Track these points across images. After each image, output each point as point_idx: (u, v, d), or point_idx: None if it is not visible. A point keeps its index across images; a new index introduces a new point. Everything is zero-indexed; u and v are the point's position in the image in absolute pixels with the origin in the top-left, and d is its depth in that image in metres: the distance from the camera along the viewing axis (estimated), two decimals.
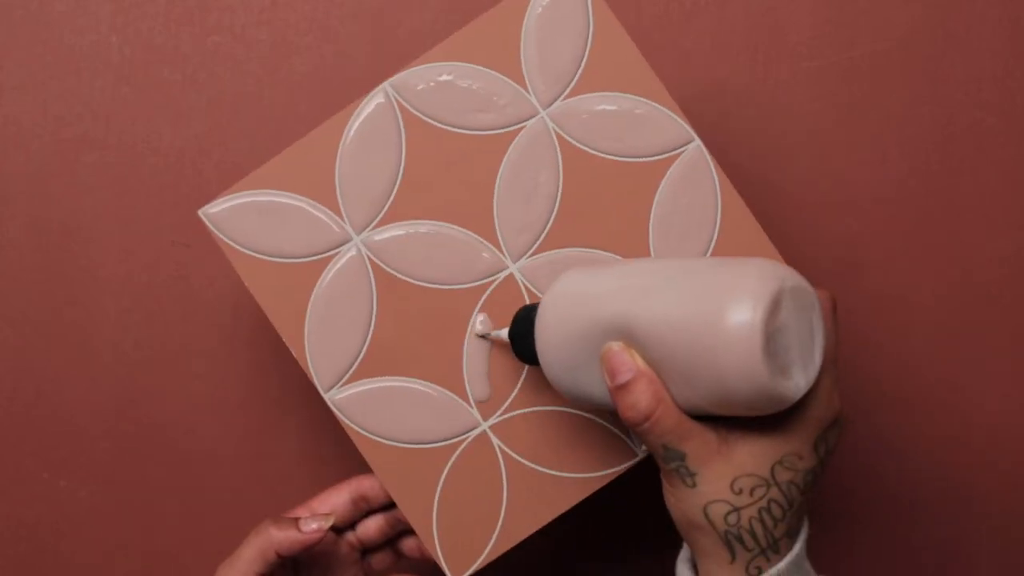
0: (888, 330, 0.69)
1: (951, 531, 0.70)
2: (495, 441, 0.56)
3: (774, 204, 0.69)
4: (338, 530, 0.58)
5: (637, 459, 0.56)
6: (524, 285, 0.56)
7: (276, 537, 0.54)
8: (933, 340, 0.69)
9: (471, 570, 0.56)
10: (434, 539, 0.56)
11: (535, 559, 0.68)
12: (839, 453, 0.69)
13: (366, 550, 0.59)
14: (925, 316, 0.69)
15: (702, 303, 0.42)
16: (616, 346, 0.46)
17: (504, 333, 0.54)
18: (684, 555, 0.49)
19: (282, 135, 0.69)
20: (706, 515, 0.44)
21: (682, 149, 0.56)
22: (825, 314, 0.46)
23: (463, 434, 0.56)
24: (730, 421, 0.45)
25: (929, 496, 0.69)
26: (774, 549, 0.44)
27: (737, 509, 0.44)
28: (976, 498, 0.69)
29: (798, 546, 0.45)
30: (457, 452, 0.56)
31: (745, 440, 0.44)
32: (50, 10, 0.69)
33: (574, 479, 0.56)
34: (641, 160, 0.56)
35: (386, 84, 0.56)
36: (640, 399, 0.45)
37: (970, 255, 0.69)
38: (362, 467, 0.65)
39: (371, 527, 0.58)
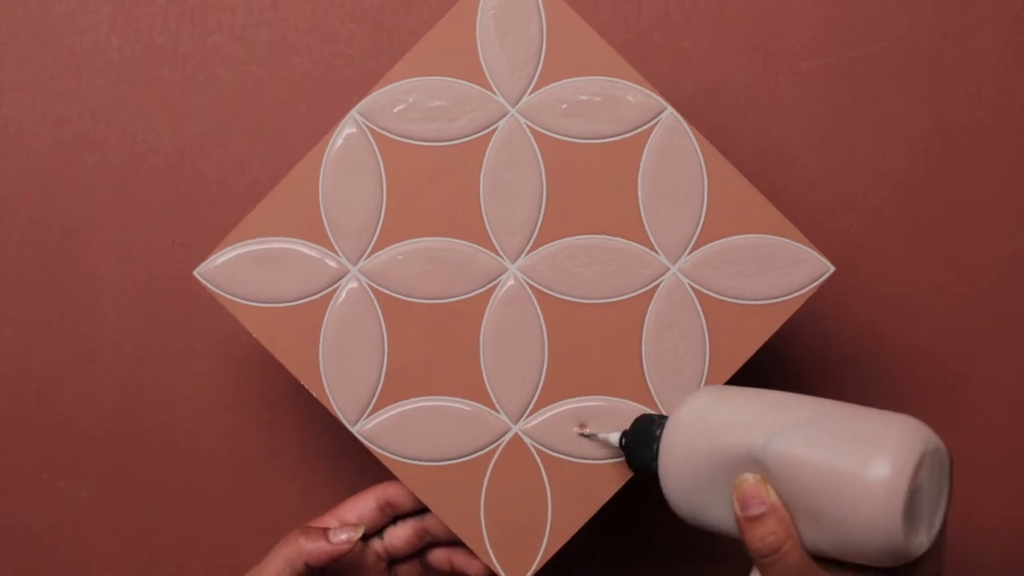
0: (888, 330, 0.69)
1: (951, 531, 0.70)
2: (528, 442, 0.56)
3: (774, 204, 0.69)
4: (365, 537, 0.58)
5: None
6: (526, 283, 0.56)
7: (305, 548, 0.54)
8: (933, 340, 0.69)
9: (530, 572, 0.56)
10: (488, 550, 0.56)
11: None
12: None
13: (393, 560, 0.59)
14: (925, 316, 0.69)
15: (844, 451, 0.43)
16: (751, 478, 0.46)
17: (614, 438, 0.54)
18: None
19: (282, 135, 0.69)
20: None
21: (656, 120, 0.56)
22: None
23: (496, 441, 0.56)
24: (845, 568, 0.45)
25: None
26: None
27: None
28: (976, 498, 0.69)
29: None
30: (494, 460, 0.56)
31: None
32: (50, 10, 0.69)
33: (613, 464, 0.56)
34: (618, 138, 0.56)
35: (354, 112, 0.56)
36: (770, 533, 0.45)
37: (970, 255, 0.69)
38: (363, 465, 0.65)
39: (399, 537, 0.58)
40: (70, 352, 0.69)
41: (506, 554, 0.56)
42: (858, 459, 0.43)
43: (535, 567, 0.56)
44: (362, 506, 0.57)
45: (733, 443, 0.47)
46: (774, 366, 0.68)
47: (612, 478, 0.56)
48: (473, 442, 0.56)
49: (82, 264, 0.69)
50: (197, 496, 0.69)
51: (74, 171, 0.69)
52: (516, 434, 0.56)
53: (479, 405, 0.56)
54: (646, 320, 0.56)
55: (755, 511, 0.46)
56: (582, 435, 0.56)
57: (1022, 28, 0.69)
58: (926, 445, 0.43)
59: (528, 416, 0.56)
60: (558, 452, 0.56)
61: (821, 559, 0.46)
